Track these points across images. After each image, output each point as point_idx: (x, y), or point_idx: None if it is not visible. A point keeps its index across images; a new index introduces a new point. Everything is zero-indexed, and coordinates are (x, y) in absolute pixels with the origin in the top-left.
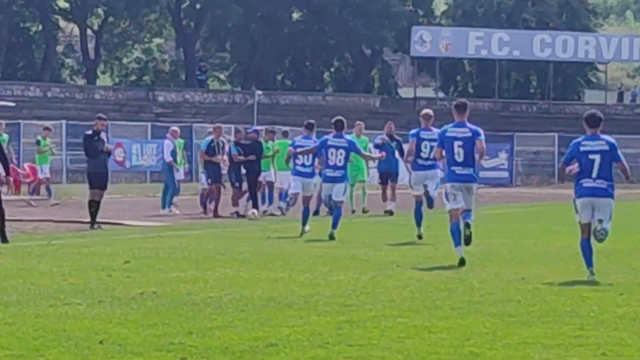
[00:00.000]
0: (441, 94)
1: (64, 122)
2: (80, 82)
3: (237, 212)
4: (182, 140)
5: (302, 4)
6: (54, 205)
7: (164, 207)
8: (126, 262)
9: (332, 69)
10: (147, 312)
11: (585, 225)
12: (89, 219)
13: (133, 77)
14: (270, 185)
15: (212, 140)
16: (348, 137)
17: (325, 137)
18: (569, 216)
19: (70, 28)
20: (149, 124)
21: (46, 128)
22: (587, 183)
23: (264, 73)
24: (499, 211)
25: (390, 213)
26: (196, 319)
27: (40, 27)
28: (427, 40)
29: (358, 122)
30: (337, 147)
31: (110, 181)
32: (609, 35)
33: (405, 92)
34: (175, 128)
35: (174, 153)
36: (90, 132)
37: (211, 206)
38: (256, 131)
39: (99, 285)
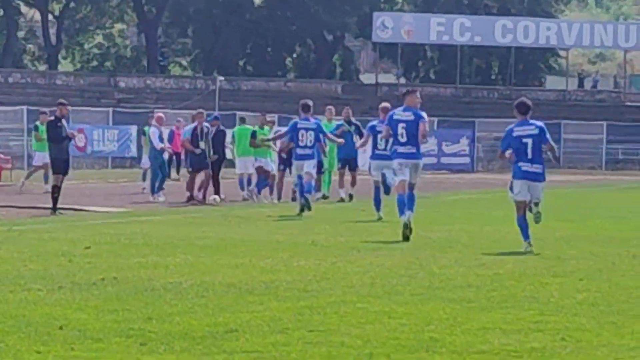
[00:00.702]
0: (403, 80)
1: (25, 107)
2: (42, 67)
3: (189, 196)
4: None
5: None
6: (47, 192)
7: (153, 193)
8: (87, 248)
9: (294, 55)
10: (107, 297)
11: (520, 202)
12: (50, 205)
13: (94, 63)
14: (266, 172)
15: (196, 127)
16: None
17: (295, 120)
18: None
19: (32, 13)
20: (111, 110)
21: (43, 112)
22: (524, 167)
23: (225, 59)
24: (460, 197)
25: (350, 198)
26: (156, 305)
27: (1, 12)
28: (388, 26)
29: (329, 106)
30: (306, 129)
31: (72, 167)
32: (571, 21)
33: (367, 78)
34: (161, 114)
35: (161, 139)
36: (52, 117)
37: (200, 194)
38: (217, 118)
39: (60, 270)
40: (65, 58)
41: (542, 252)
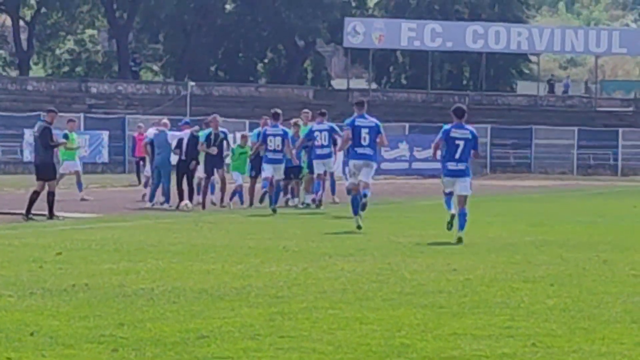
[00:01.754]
0: (374, 85)
1: None
2: (13, 73)
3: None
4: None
5: None
6: (84, 200)
7: (168, 202)
8: (58, 254)
9: (266, 60)
10: (78, 304)
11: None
12: (21, 211)
13: (66, 69)
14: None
15: (211, 132)
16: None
17: (265, 128)
18: (500, 207)
19: (2, 19)
20: (82, 115)
21: (72, 120)
22: (451, 166)
23: (197, 64)
24: (430, 202)
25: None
26: (128, 311)
27: None
28: (360, 32)
29: (305, 110)
30: (274, 135)
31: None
32: (542, 26)
33: (338, 84)
34: (166, 120)
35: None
36: (46, 124)
37: (213, 197)
38: (187, 123)
39: (30, 277)
40: (36, 64)
41: (513, 257)
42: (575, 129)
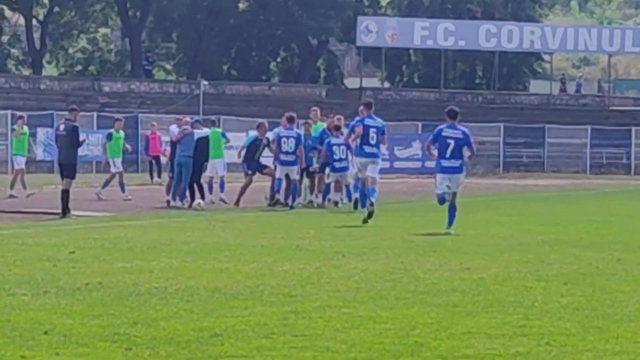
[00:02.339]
0: (387, 84)
1: (9, 112)
2: (26, 72)
3: (168, 201)
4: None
5: None
6: (127, 200)
7: (182, 200)
8: (71, 253)
9: (278, 59)
10: (92, 302)
11: (442, 197)
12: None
13: (79, 67)
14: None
15: (257, 138)
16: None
17: (277, 129)
18: (513, 207)
19: (16, 18)
20: (95, 114)
21: (118, 119)
22: (444, 163)
23: (209, 63)
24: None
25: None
26: (141, 310)
27: None
28: (372, 31)
29: (314, 107)
30: (287, 137)
31: (56, 171)
32: (554, 25)
33: (351, 82)
34: (189, 119)
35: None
36: (74, 123)
37: (222, 195)
38: (198, 121)
39: (44, 275)
40: (49, 62)
41: (526, 256)
42: (588, 127)
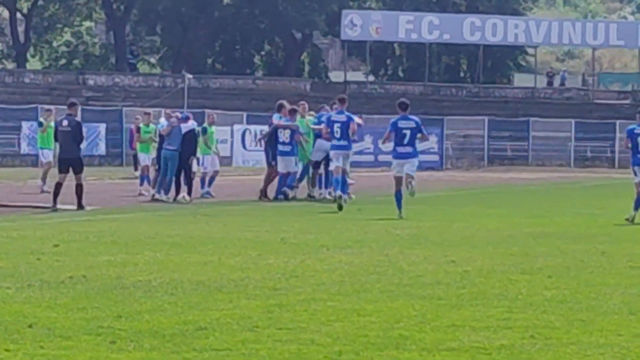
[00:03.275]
0: (371, 78)
1: None
2: (10, 65)
3: (153, 194)
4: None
5: None
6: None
7: (167, 193)
8: (55, 246)
9: (263, 53)
10: (76, 295)
11: (398, 178)
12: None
13: (63, 61)
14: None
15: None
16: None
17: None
18: (498, 200)
19: (0, 11)
20: (79, 108)
21: (146, 113)
22: (400, 149)
23: (194, 57)
24: (429, 194)
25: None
26: (126, 303)
27: None
28: (357, 24)
29: (301, 102)
30: (284, 127)
31: (40, 164)
32: (539, 19)
33: (335, 76)
34: (178, 113)
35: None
36: (77, 119)
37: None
38: (188, 117)
39: (28, 268)
40: (33, 56)
41: (511, 249)
42: (573, 121)
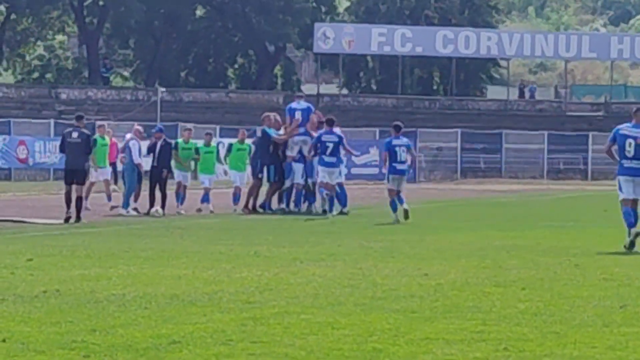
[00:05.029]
0: (345, 91)
1: None
2: None
3: (136, 209)
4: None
5: (205, 0)
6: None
7: (125, 207)
8: (29, 260)
9: (236, 66)
10: (50, 310)
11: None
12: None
13: (35, 74)
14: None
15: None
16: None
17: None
18: (470, 212)
19: None
20: (52, 121)
21: (187, 129)
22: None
23: (167, 70)
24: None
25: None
26: (99, 317)
27: None
28: (330, 37)
29: (273, 114)
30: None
31: (13, 179)
32: (511, 31)
33: (308, 89)
34: (139, 127)
35: (139, 153)
36: (87, 131)
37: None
38: (161, 130)
39: (1, 283)
40: (6, 69)
41: (484, 261)
42: (545, 133)
